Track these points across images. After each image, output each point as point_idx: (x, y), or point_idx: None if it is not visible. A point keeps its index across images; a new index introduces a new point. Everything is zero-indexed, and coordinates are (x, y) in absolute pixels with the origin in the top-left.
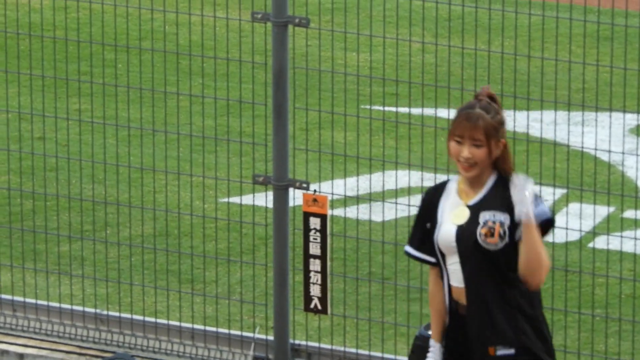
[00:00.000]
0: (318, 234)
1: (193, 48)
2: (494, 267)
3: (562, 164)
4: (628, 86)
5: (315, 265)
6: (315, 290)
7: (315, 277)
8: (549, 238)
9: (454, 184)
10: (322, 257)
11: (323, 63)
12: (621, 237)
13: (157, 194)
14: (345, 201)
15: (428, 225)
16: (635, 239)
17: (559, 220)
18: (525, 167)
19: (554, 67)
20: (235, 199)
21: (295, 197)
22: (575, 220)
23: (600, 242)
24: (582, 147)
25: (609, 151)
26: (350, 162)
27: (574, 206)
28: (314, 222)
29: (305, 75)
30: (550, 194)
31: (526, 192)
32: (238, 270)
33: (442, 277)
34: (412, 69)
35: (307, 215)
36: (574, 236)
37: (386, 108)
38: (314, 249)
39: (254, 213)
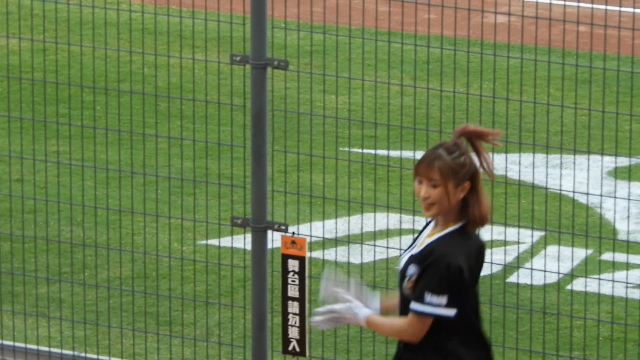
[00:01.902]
0: (296, 276)
1: (172, 90)
2: None
3: (540, 206)
4: (606, 129)
5: (293, 307)
6: (293, 333)
7: (294, 320)
8: (526, 280)
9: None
10: (301, 300)
11: (302, 105)
12: (599, 279)
13: (135, 236)
14: (324, 243)
15: None
16: (613, 281)
17: (537, 262)
18: (503, 209)
19: (532, 109)
20: (213, 241)
21: (274, 240)
22: (554, 262)
23: (578, 285)
24: (560, 190)
25: (587, 194)
26: (329, 205)
27: (552, 248)
28: (293, 265)
29: (284, 118)
30: (528, 236)
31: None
32: (216, 312)
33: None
34: (390, 112)
35: (285, 258)
36: (552, 278)
37: (365, 150)
38: (293, 291)
39: (232, 255)
